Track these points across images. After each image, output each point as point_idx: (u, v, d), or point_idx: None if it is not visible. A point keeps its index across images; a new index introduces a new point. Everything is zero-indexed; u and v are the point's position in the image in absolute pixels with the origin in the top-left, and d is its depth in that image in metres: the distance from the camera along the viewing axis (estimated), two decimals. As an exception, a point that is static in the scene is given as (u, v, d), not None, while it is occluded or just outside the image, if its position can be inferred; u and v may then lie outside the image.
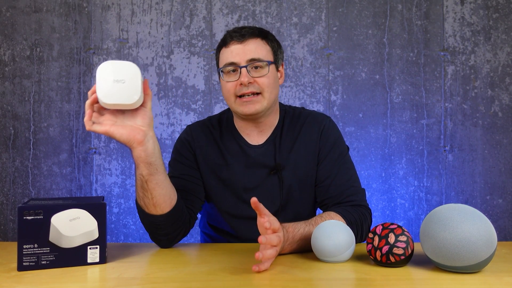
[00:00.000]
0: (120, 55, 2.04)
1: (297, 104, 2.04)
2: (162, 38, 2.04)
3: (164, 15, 2.05)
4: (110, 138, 2.03)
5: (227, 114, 1.21)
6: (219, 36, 2.04)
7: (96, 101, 0.86)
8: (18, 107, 2.03)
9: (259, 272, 0.81)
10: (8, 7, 2.03)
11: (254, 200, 0.82)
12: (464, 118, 2.03)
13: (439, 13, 2.04)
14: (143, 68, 2.04)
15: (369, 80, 2.04)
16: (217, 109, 2.04)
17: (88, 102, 0.86)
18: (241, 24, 2.04)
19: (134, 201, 2.02)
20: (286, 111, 1.19)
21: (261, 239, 0.81)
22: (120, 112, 0.88)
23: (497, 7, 2.03)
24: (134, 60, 2.04)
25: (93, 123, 0.86)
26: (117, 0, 2.04)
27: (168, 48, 2.05)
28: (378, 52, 2.04)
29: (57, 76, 2.04)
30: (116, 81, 0.84)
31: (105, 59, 2.04)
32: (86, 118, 0.85)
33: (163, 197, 0.95)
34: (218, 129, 1.18)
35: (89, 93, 0.87)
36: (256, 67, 1.07)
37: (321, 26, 2.04)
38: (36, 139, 2.03)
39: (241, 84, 1.05)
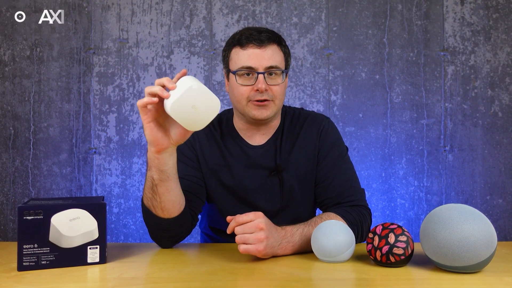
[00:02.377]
0: (120, 55, 2.04)
1: (297, 104, 2.03)
2: (162, 38, 2.04)
3: (164, 15, 2.05)
4: (110, 138, 2.04)
5: (227, 115, 1.20)
6: (219, 36, 2.04)
7: (166, 97, 0.82)
8: (18, 107, 2.03)
9: (234, 242, 0.89)
10: (8, 7, 2.03)
11: (229, 218, 0.90)
12: (464, 118, 2.03)
13: (439, 13, 2.04)
14: (143, 68, 2.04)
15: (369, 80, 2.04)
16: (217, 109, 2.04)
17: (156, 91, 0.82)
18: (241, 24, 2.04)
19: (134, 201, 2.04)
20: (286, 112, 1.19)
21: (229, 217, 0.90)
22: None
23: (497, 7, 2.03)
24: (134, 60, 2.04)
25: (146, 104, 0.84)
26: (117, 0, 2.04)
27: (168, 48, 2.05)
28: (378, 52, 2.04)
29: (57, 76, 2.04)
30: (194, 107, 0.81)
31: (105, 59, 2.04)
32: (148, 101, 0.83)
33: (171, 202, 0.95)
34: (219, 130, 1.18)
35: (161, 83, 0.83)
36: (271, 74, 1.06)
37: (321, 26, 2.04)
38: (36, 139, 2.03)
39: (256, 90, 1.04)
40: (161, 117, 0.88)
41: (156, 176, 0.91)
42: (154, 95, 0.84)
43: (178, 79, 0.86)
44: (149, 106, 0.85)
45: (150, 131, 0.87)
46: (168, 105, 0.82)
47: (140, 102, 0.84)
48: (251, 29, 1.07)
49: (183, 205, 0.98)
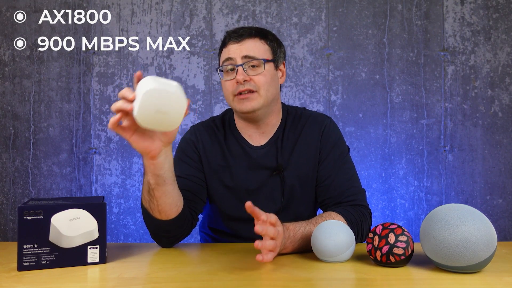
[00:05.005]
0: (120, 55, 2.04)
1: (297, 104, 2.03)
2: (162, 38, 2.04)
3: (164, 15, 2.05)
4: (110, 138, 2.03)
5: (229, 115, 1.21)
6: (219, 36, 2.04)
7: (130, 110, 0.76)
8: (18, 107, 2.03)
9: (262, 262, 0.81)
10: (8, 7, 2.03)
11: (248, 204, 0.82)
12: (464, 118, 2.03)
13: (439, 13, 2.04)
14: (143, 68, 2.04)
15: (369, 80, 2.04)
16: (217, 109, 2.04)
17: (119, 107, 0.77)
18: (241, 24, 2.04)
19: (134, 201, 2.03)
20: (288, 112, 1.19)
21: (257, 228, 0.82)
22: None
23: (497, 7, 2.03)
24: (134, 60, 2.04)
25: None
26: (117, 0, 2.04)
27: (168, 48, 2.04)
28: (378, 52, 2.04)
29: (57, 76, 2.04)
30: (159, 111, 0.75)
31: (105, 59, 2.04)
32: (114, 120, 0.78)
33: (169, 205, 0.95)
34: (222, 130, 1.18)
35: (122, 95, 0.78)
36: (253, 66, 1.08)
37: (321, 26, 2.04)
38: (36, 139, 2.03)
39: (237, 82, 1.06)
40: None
41: (152, 181, 0.90)
42: (119, 110, 0.79)
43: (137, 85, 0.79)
44: (125, 123, 0.80)
45: (136, 143, 0.83)
46: (135, 117, 0.76)
47: (109, 125, 0.79)
48: (234, 29, 1.13)
49: (181, 207, 0.98)
